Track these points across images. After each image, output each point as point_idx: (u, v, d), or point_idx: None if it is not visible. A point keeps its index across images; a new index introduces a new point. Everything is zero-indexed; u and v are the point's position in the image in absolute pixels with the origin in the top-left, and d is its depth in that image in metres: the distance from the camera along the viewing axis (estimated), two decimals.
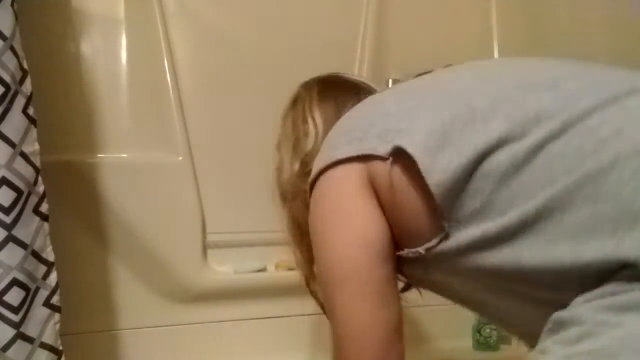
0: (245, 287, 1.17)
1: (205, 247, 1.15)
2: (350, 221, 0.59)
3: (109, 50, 1.11)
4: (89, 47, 1.10)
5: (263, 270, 1.19)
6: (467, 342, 1.28)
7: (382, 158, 0.56)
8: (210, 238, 1.15)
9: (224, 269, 1.16)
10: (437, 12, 1.33)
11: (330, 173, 0.61)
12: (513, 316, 0.57)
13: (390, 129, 0.57)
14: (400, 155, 0.55)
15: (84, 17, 1.09)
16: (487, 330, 1.25)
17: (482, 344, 1.26)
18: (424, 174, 0.52)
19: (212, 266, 1.16)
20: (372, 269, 0.58)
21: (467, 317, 1.26)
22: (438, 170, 0.52)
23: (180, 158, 1.13)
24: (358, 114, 0.65)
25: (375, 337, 0.58)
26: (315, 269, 0.66)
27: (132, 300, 1.09)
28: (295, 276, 1.21)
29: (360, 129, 0.60)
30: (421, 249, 0.55)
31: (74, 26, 1.09)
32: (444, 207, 0.52)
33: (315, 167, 0.63)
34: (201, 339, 1.14)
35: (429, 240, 0.54)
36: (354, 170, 0.59)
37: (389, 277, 0.59)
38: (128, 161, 1.10)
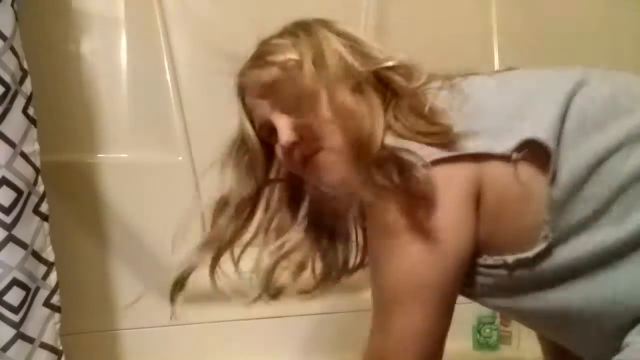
0: (245, 287, 1.17)
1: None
2: (445, 234, 0.54)
3: (109, 50, 1.11)
4: (89, 47, 1.10)
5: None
6: (467, 342, 1.28)
7: (501, 157, 0.52)
8: None
9: (224, 269, 1.16)
10: (437, 12, 1.33)
11: (431, 171, 0.52)
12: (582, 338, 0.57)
13: (503, 127, 0.53)
14: (524, 151, 0.51)
15: (84, 17, 1.09)
16: (487, 330, 1.25)
17: (482, 344, 1.26)
18: (554, 168, 0.50)
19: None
20: (450, 284, 0.56)
21: (467, 317, 1.26)
22: (564, 170, 0.51)
23: (180, 158, 1.13)
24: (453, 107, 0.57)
25: (427, 346, 0.57)
26: (373, 263, 0.61)
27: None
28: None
29: (463, 126, 0.54)
30: (510, 258, 0.54)
31: (74, 26, 1.09)
32: (554, 214, 0.51)
33: (411, 157, 0.53)
34: (201, 339, 1.14)
35: (524, 250, 0.53)
36: (461, 173, 0.53)
37: (457, 288, 0.58)
38: (128, 161, 1.10)
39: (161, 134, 1.13)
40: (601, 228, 0.50)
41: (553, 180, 0.51)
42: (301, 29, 0.67)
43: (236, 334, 1.16)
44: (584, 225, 0.51)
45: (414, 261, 0.55)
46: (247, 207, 0.73)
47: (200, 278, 1.14)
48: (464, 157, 0.52)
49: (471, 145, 0.52)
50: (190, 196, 1.13)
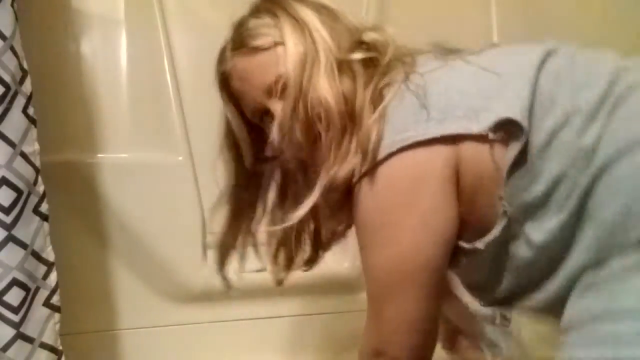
0: (245, 287, 1.17)
1: (205, 247, 1.15)
2: (431, 218, 0.55)
3: (109, 50, 1.11)
4: (89, 47, 1.10)
5: (263, 270, 1.18)
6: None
7: (477, 137, 0.53)
8: (210, 238, 1.15)
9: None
10: (437, 11, 1.33)
11: (406, 156, 0.54)
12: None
13: (477, 107, 0.54)
14: (500, 131, 0.52)
15: (84, 17, 1.09)
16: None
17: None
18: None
19: (212, 266, 1.15)
20: (439, 266, 0.57)
21: None
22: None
23: (180, 158, 1.13)
24: (424, 91, 0.57)
25: (422, 330, 0.58)
26: (364, 256, 0.60)
27: (132, 300, 1.09)
28: (295, 276, 1.21)
29: (438, 108, 0.54)
30: (480, 244, 0.56)
31: (74, 26, 1.09)
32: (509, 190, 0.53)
33: (385, 146, 0.55)
34: (201, 339, 1.14)
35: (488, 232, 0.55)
36: (440, 155, 0.54)
37: (446, 269, 0.59)
38: (128, 161, 1.10)
39: (161, 134, 1.13)
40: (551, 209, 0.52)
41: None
42: (278, 6, 0.66)
43: (236, 334, 1.16)
44: (538, 205, 0.53)
45: (403, 246, 0.56)
46: (244, 196, 0.73)
47: (200, 278, 1.14)
48: (441, 139, 0.53)
49: (449, 127, 0.53)
50: (190, 196, 1.13)
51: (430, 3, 1.32)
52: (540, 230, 0.53)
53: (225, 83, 0.70)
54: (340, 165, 0.58)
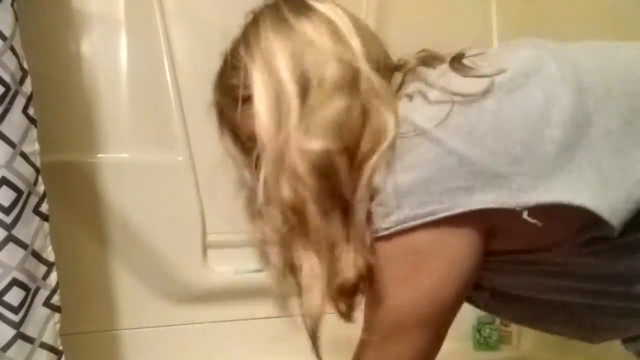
0: (245, 287, 1.17)
1: (205, 247, 1.15)
2: (456, 277, 0.52)
3: (109, 50, 1.11)
4: (89, 47, 1.10)
5: (263, 270, 1.18)
6: (467, 342, 1.28)
7: (513, 211, 0.46)
8: (210, 238, 1.15)
9: (224, 269, 1.16)
10: (437, 12, 1.33)
11: (429, 235, 0.49)
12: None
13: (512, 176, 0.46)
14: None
15: (84, 17, 1.09)
16: (487, 330, 1.25)
17: (482, 344, 1.26)
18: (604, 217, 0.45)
19: (212, 266, 1.16)
20: (459, 306, 0.55)
21: (467, 317, 1.26)
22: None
23: (180, 158, 1.13)
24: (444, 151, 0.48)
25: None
26: (377, 288, 0.54)
27: (132, 300, 1.09)
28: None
29: (467, 172, 0.47)
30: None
31: (74, 26, 1.09)
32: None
33: (402, 218, 0.48)
34: (201, 339, 1.14)
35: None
36: (468, 230, 0.49)
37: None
38: (128, 161, 1.10)
39: (161, 134, 1.13)
40: None
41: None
42: (255, 41, 0.59)
43: (236, 334, 1.16)
44: None
45: (429, 291, 0.52)
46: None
47: (201, 278, 1.14)
48: (465, 215, 0.47)
49: (481, 199, 0.47)
50: (190, 196, 1.13)
51: (430, 3, 1.32)
52: None
53: (219, 111, 0.67)
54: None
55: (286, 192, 0.51)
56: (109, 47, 1.11)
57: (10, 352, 0.71)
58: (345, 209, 0.51)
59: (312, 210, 0.51)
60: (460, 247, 0.50)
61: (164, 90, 1.12)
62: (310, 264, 0.53)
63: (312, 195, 0.51)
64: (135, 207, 1.08)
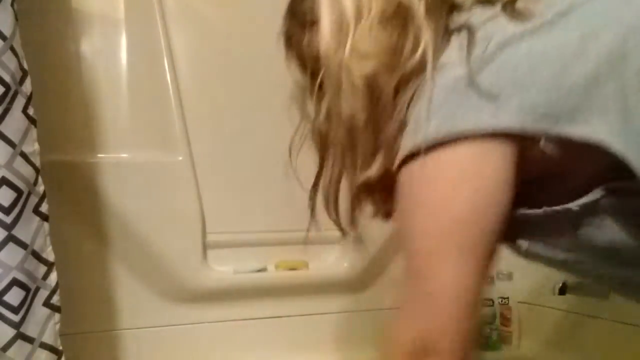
0: (245, 287, 1.17)
1: (205, 247, 1.15)
2: (489, 199, 0.50)
3: (109, 50, 1.11)
4: (89, 47, 1.10)
5: (263, 270, 1.19)
6: None
7: (534, 139, 0.48)
8: (210, 238, 1.15)
9: (224, 269, 1.16)
10: None
11: (455, 151, 0.49)
12: None
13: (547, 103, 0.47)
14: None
15: (84, 17, 1.09)
16: (487, 330, 1.25)
17: (482, 344, 1.26)
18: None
19: (212, 266, 1.16)
20: (494, 234, 0.51)
21: None
22: None
23: (180, 158, 1.13)
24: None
25: (473, 306, 0.51)
26: (405, 214, 0.54)
27: (132, 300, 1.09)
28: (295, 276, 1.21)
29: (500, 85, 0.48)
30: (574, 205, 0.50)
31: (74, 26, 1.09)
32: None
33: (434, 130, 0.50)
34: (201, 339, 1.14)
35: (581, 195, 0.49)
36: (498, 152, 0.49)
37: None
38: (128, 161, 1.10)
39: (161, 134, 1.13)
40: None
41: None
42: None
43: (236, 334, 1.16)
44: None
45: (463, 210, 0.50)
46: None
47: (201, 278, 1.14)
48: (494, 135, 0.48)
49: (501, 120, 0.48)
50: (190, 196, 1.13)
51: None
52: None
53: (287, 38, 0.71)
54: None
55: (344, 108, 0.57)
56: (109, 47, 1.11)
57: (10, 352, 0.71)
58: (387, 126, 0.55)
59: (362, 126, 0.56)
60: (491, 168, 0.50)
61: (164, 90, 1.12)
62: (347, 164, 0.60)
63: (364, 113, 0.56)
64: (135, 207, 1.08)
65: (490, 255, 0.52)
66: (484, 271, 0.52)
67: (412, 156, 0.51)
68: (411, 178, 0.52)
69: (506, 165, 0.50)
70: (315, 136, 0.64)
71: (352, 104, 0.56)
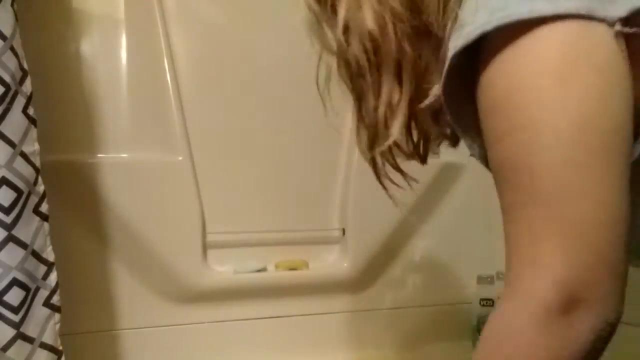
0: (245, 287, 1.17)
1: (205, 247, 1.15)
2: (616, 84, 0.39)
3: (109, 50, 1.11)
4: (89, 47, 1.10)
5: (263, 270, 1.19)
6: (467, 342, 1.28)
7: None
8: (210, 238, 1.15)
9: (224, 269, 1.16)
10: None
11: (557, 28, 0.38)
12: None
13: None
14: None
15: (84, 17, 1.09)
16: None
17: None
18: None
19: (212, 266, 1.16)
20: (623, 145, 0.39)
21: (467, 317, 1.26)
22: None
23: (180, 158, 1.13)
24: None
25: (626, 240, 0.39)
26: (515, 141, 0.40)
27: (132, 300, 1.09)
28: (295, 276, 1.22)
29: None
30: None
31: (74, 26, 1.09)
32: None
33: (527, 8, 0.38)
34: (201, 339, 1.14)
35: None
36: (604, 37, 0.39)
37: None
38: (128, 161, 1.10)
39: (161, 134, 1.13)
40: None
41: None
42: None
43: (236, 334, 1.16)
44: None
45: (597, 113, 0.38)
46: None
47: (201, 278, 1.14)
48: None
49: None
50: (190, 196, 1.13)
51: None
52: None
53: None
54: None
55: (369, 20, 0.49)
56: (109, 47, 1.11)
57: (10, 352, 0.71)
58: (431, 43, 0.48)
59: (394, 40, 0.49)
60: (606, 49, 0.40)
61: (164, 90, 1.12)
62: (389, 90, 0.51)
63: (397, 24, 0.48)
64: (135, 207, 1.08)
65: (621, 166, 0.39)
66: (626, 186, 0.39)
67: (494, 49, 0.40)
68: (505, 75, 0.40)
69: (617, 50, 0.40)
70: (345, 65, 0.55)
71: (382, 15, 0.48)
